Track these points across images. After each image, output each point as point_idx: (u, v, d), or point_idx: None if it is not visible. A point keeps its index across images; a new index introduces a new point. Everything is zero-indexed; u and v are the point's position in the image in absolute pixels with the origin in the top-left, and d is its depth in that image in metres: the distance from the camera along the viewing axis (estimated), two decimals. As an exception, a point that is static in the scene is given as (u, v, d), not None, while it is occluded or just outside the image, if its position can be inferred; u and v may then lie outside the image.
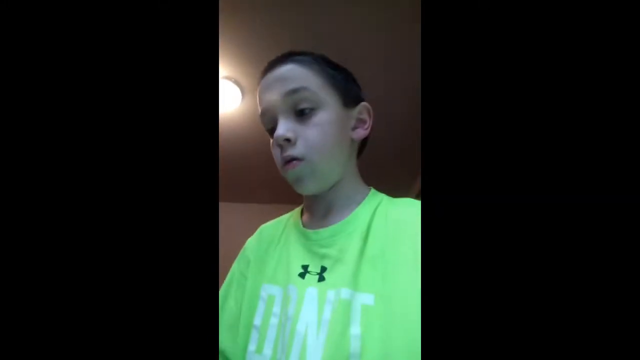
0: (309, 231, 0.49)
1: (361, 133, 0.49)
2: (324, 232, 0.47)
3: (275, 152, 0.46)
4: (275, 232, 0.55)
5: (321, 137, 0.43)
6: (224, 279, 0.56)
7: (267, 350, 0.42)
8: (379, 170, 1.67)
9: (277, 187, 2.92)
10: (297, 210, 0.56)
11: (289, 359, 0.38)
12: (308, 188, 0.46)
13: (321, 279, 0.43)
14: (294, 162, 0.44)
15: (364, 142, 0.52)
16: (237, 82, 1.62)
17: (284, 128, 0.43)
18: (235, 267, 0.56)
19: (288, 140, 0.43)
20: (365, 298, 0.38)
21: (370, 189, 0.52)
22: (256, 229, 0.59)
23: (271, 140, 0.48)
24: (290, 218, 0.56)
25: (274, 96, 0.45)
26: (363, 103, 0.49)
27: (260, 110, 0.47)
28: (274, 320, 0.44)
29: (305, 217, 0.53)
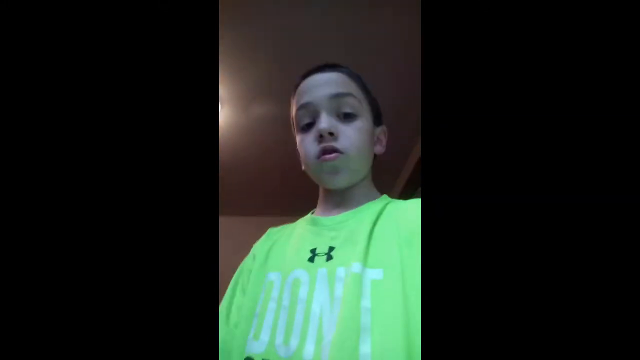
0: (320, 217, 0.53)
1: (379, 149, 0.56)
2: (335, 217, 0.51)
3: (311, 145, 0.50)
4: (282, 231, 0.58)
5: (359, 138, 0.49)
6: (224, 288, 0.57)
7: (265, 335, 0.42)
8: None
9: (256, 198, 2.93)
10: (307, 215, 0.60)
11: (305, 341, 0.39)
12: (341, 179, 0.50)
13: (329, 258, 0.45)
14: (335, 153, 0.48)
15: (375, 161, 0.58)
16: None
17: (328, 122, 0.48)
18: (241, 267, 0.58)
19: (331, 133, 0.48)
20: (374, 273, 0.40)
21: (383, 195, 0.56)
22: (238, 240, 0.63)
23: (300, 135, 0.52)
24: (299, 220, 0.59)
25: (320, 94, 0.49)
26: (383, 126, 0.57)
27: (298, 105, 0.51)
28: (272, 305, 0.45)
29: (317, 210, 0.58)
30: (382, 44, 1.35)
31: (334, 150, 0.48)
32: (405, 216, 0.45)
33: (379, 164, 0.59)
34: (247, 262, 0.57)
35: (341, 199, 0.53)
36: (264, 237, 0.60)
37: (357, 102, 0.49)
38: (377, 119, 0.55)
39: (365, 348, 0.34)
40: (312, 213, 0.58)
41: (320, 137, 0.48)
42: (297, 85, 0.54)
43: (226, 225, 2.94)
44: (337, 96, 0.49)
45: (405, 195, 2.08)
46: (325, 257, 0.45)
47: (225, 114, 1.78)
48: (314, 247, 0.47)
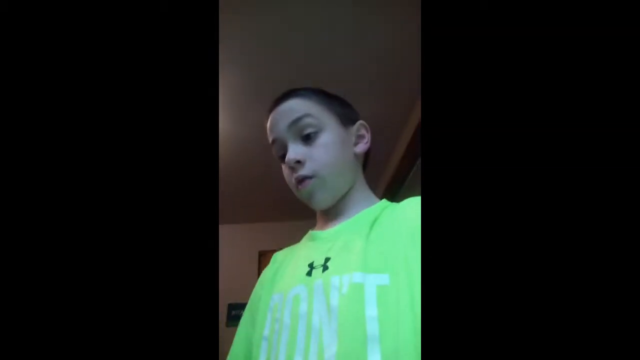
0: (317, 232, 0.55)
1: (362, 147, 0.56)
2: (331, 230, 0.52)
3: (288, 175, 0.53)
4: (286, 253, 0.59)
5: (327, 155, 0.50)
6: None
7: (272, 357, 0.42)
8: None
9: (256, 204, 2.95)
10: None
11: (307, 356, 0.38)
12: (321, 202, 0.52)
13: (325, 268, 0.45)
14: (306, 181, 0.50)
15: (367, 157, 0.59)
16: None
17: (293, 152, 0.50)
18: (250, 299, 0.58)
19: (298, 162, 0.50)
20: (379, 279, 0.39)
21: (382, 200, 0.56)
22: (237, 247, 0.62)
23: (283, 166, 0.54)
24: (302, 239, 0.60)
25: (281, 127, 0.52)
26: (360, 121, 0.57)
27: (270, 141, 0.54)
28: (276, 327, 0.44)
29: (316, 226, 0.59)
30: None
31: (304, 177, 0.49)
32: (404, 216, 0.45)
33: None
34: (255, 291, 0.57)
35: (336, 211, 0.54)
36: (270, 263, 0.60)
37: (314, 120, 0.50)
38: (349, 120, 0.55)
39: (375, 358, 0.34)
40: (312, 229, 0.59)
41: (291, 167, 0.50)
42: (266, 120, 0.56)
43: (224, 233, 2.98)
44: (294, 122, 0.50)
45: (405, 163, 1.95)
46: (321, 268, 0.45)
47: (224, 119, 1.83)
48: (311, 261, 0.48)
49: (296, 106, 0.52)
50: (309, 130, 0.50)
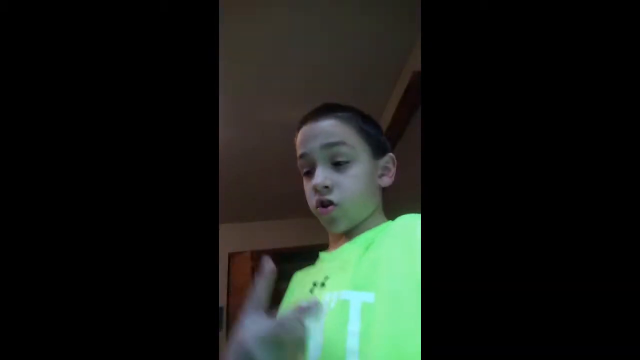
0: (324, 253, 0.57)
1: (386, 181, 0.56)
2: (334, 251, 0.54)
3: (310, 194, 0.52)
4: (304, 273, 0.60)
5: (355, 186, 0.50)
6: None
7: None
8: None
9: (256, 203, 2.90)
10: None
11: None
12: (340, 228, 0.52)
13: (322, 286, 0.48)
14: (330, 207, 0.49)
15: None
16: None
17: (323, 176, 0.49)
18: None
19: (326, 187, 0.49)
20: (365, 296, 0.41)
21: (388, 221, 0.57)
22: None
23: (304, 179, 0.54)
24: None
25: (314, 145, 0.51)
26: (389, 154, 0.56)
27: (298, 154, 0.53)
28: None
29: (329, 247, 0.59)
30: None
31: (329, 203, 0.49)
32: (394, 234, 0.47)
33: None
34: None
35: (347, 234, 0.54)
36: (290, 283, 0.62)
37: (349, 149, 0.50)
38: (381, 152, 0.55)
39: None
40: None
41: (316, 189, 0.50)
42: (298, 129, 0.55)
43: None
44: (329, 146, 0.50)
45: (402, 113, 1.81)
46: (320, 286, 0.48)
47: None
48: (315, 280, 0.50)
49: (333, 129, 0.51)
50: (341, 158, 0.50)
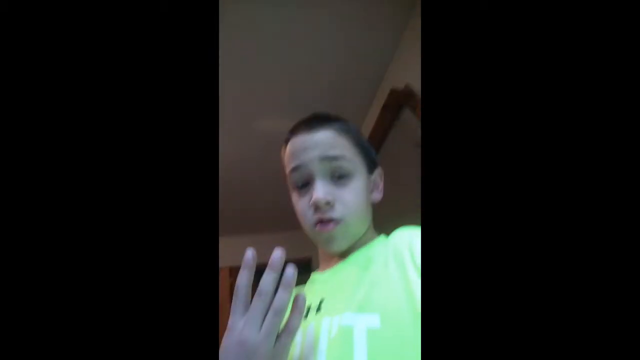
0: (317, 273, 0.53)
1: (377, 196, 0.54)
2: (328, 271, 0.51)
3: (306, 210, 0.48)
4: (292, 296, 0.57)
5: (356, 200, 0.47)
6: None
7: None
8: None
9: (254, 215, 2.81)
10: None
11: None
12: (340, 246, 0.49)
13: (318, 310, 0.44)
14: (332, 224, 0.46)
15: None
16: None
17: (324, 191, 0.46)
18: None
19: (328, 203, 0.46)
20: (370, 320, 0.37)
21: (380, 235, 0.54)
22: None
23: (295, 194, 0.50)
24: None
25: (311, 157, 0.47)
26: (379, 168, 0.55)
27: (290, 166, 0.49)
28: None
29: (319, 267, 0.56)
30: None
31: (330, 220, 0.46)
32: (394, 250, 0.44)
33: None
34: None
35: (340, 254, 0.51)
36: None
37: (349, 163, 0.48)
38: (372, 166, 0.53)
39: None
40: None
41: (317, 207, 0.46)
42: (287, 140, 0.51)
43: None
44: (330, 159, 0.47)
45: (385, 114, 1.72)
46: (315, 310, 0.45)
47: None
48: (309, 304, 0.46)
49: (332, 141, 0.48)
50: (341, 173, 0.47)
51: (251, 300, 0.34)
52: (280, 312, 0.33)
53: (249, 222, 3.05)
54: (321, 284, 0.50)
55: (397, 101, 1.49)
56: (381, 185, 0.55)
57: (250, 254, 0.36)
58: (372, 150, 0.55)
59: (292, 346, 0.41)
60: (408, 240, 0.44)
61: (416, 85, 1.35)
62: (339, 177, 0.47)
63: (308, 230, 0.49)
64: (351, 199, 0.47)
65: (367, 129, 1.90)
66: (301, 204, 0.49)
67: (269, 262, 0.35)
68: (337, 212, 0.46)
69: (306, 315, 0.45)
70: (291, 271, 0.34)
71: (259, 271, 0.33)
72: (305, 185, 0.49)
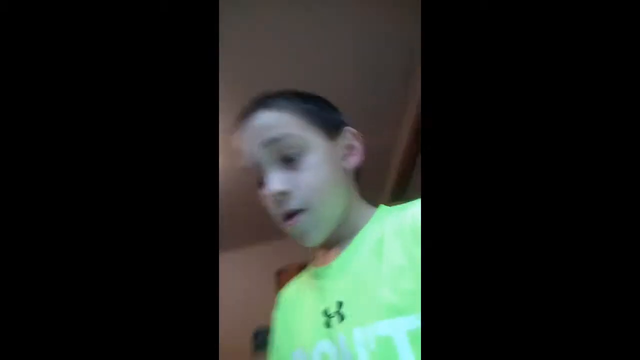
0: (319, 268, 0.47)
1: (353, 161, 0.46)
2: (333, 264, 0.44)
3: (272, 208, 0.43)
4: (291, 292, 0.52)
5: (316, 179, 0.41)
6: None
7: None
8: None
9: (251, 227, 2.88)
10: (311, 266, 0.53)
11: None
12: (315, 239, 0.42)
13: (341, 317, 0.39)
14: (296, 216, 0.41)
15: (360, 167, 0.49)
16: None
17: (275, 181, 0.40)
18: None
19: (283, 193, 0.40)
20: (407, 323, 0.34)
21: (378, 207, 0.48)
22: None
23: (262, 193, 0.44)
24: (304, 274, 0.53)
25: (255, 147, 0.42)
26: (346, 128, 0.46)
27: (241, 165, 0.44)
28: None
29: (316, 259, 0.50)
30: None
31: (293, 212, 0.41)
32: (412, 229, 0.38)
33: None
34: (274, 336, 0.52)
35: (334, 239, 0.45)
36: (277, 305, 0.53)
37: (296, 139, 0.41)
38: (334, 129, 0.45)
39: None
40: (313, 261, 0.51)
41: (277, 200, 0.41)
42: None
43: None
44: (272, 142, 0.41)
45: (408, 157, 1.81)
46: (338, 317, 0.39)
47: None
48: (325, 308, 0.41)
49: (271, 121, 0.42)
50: (290, 152, 0.41)
51: None
52: None
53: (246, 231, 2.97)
54: (330, 281, 0.44)
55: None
56: (358, 147, 0.46)
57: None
58: (331, 112, 0.46)
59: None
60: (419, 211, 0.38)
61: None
62: (289, 160, 0.41)
63: (283, 229, 0.44)
64: (310, 180, 0.40)
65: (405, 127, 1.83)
66: (266, 202, 0.44)
67: None
68: (297, 201, 0.40)
69: (328, 325, 0.40)
70: None
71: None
72: (261, 182, 0.43)
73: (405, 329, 0.33)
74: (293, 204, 0.40)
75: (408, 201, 0.43)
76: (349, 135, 0.46)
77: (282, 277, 3.20)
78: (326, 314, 0.41)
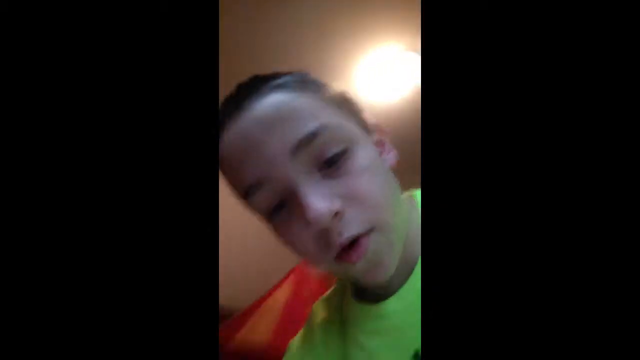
0: (376, 306, 0.33)
1: (392, 157, 0.34)
2: (394, 298, 0.32)
3: (310, 242, 0.28)
4: (314, 346, 0.37)
5: (375, 186, 0.28)
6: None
7: None
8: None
9: None
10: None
11: None
12: (391, 267, 0.29)
13: None
14: (362, 241, 0.27)
15: None
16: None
17: (320, 200, 0.26)
18: None
19: (337, 213, 0.27)
20: None
21: (411, 197, 0.37)
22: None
23: (272, 226, 0.30)
24: (339, 294, 0.39)
25: (277, 150, 0.27)
26: (372, 120, 0.34)
27: (243, 187, 0.29)
28: None
29: (347, 290, 0.37)
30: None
31: (355, 239, 0.27)
32: None
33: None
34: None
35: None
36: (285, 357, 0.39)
37: (340, 132, 0.28)
38: (364, 120, 0.33)
39: None
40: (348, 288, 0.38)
41: (321, 228, 0.27)
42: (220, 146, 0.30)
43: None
44: (306, 141, 0.27)
45: None
46: None
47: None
48: (415, 352, 0.28)
49: (298, 109, 0.28)
50: (333, 152, 0.27)
51: None
52: None
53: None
54: (398, 320, 0.31)
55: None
56: (388, 143, 0.34)
57: None
58: (353, 101, 0.34)
59: None
60: None
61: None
62: (330, 164, 0.27)
63: (329, 270, 0.30)
64: (366, 187, 0.28)
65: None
66: (292, 236, 0.29)
67: None
68: (359, 222, 0.27)
69: None
70: None
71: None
72: (281, 206, 0.29)
73: None
74: (354, 228, 0.27)
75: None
76: (377, 129, 0.34)
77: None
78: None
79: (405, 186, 0.36)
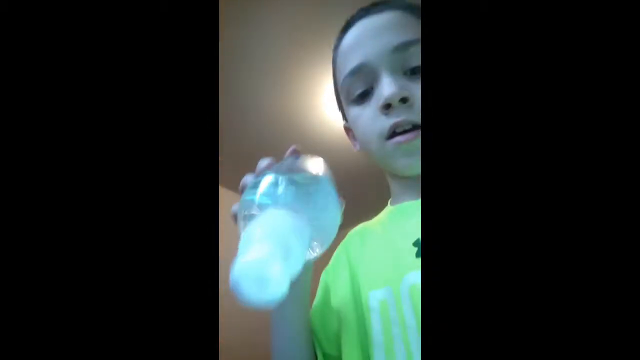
0: (408, 203, 0.40)
1: None
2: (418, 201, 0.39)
3: (374, 121, 0.36)
4: (367, 232, 0.44)
5: None
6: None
7: None
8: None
9: None
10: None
11: None
12: (417, 166, 0.36)
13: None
14: (414, 131, 0.34)
15: None
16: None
17: (396, 85, 0.34)
18: (327, 276, 0.45)
19: (404, 100, 0.34)
20: None
21: None
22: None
23: (353, 109, 0.38)
24: (379, 217, 0.46)
25: (377, 49, 0.35)
26: None
27: (345, 71, 0.37)
28: (396, 331, 0.33)
29: (395, 198, 0.44)
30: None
31: (410, 125, 0.34)
32: None
33: None
34: (331, 277, 0.44)
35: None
36: (346, 242, 0.46)
37: None
38: None
39: None
40: (391, 204, 0.44)
41: (388, 108, 0.35)
42: (336, 47, 0.40)
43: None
44: (402, 47, 0.34)
45: None
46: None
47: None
48: (417, 237, 0.34)
49: (402, 22, 0.36)
50: (417, 63, 0.34)
51: None
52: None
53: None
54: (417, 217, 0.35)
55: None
56: None
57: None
58: None
59: (419, 293, 0.33)
60: None
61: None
62: (414, 71, 0.35)
63: (377, 149, 0.37)
64: None
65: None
66: (365, 116, 0.37)
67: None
68: (417, 116, 0.34)
69: (419, 254, 0.35)
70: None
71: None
72: (366, 93, 0.37)
73: None
74: (412, 116, 0.34)
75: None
76: None
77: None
78: (418, 244, 0.34)
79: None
